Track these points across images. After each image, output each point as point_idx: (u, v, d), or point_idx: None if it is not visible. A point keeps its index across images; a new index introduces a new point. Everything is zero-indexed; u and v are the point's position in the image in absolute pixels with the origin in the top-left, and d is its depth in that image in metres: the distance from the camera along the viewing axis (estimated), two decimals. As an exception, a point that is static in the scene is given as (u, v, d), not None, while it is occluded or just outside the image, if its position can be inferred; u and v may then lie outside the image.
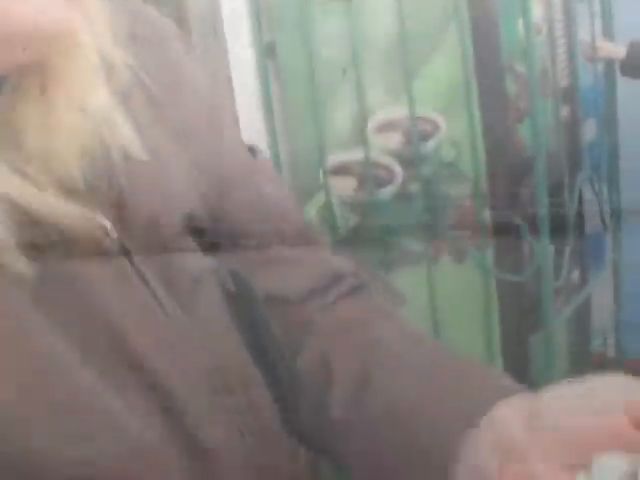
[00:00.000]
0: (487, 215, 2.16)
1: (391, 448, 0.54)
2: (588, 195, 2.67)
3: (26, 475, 0.44)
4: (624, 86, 2.76)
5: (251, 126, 2.09)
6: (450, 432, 0.49)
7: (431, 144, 2.19)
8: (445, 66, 2.09)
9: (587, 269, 2.74)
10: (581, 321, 2.74)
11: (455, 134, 2.15)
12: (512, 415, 0.48)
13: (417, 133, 2.15)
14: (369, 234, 2.33)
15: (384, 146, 2.26)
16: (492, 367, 0.51)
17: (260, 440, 0.55)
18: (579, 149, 2.56)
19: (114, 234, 0.51)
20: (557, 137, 2.36)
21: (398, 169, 2.28)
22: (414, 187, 2.24)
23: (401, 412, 0.54)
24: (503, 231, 2.18)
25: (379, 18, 2.08)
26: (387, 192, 2.30)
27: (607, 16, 2.60)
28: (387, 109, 2.21)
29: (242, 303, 0.60)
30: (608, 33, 2.60)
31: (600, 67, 2.66)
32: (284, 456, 0.59)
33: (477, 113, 2.09)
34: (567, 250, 2.31)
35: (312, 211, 2.43)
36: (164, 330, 0.53)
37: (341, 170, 2.37)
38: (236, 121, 0.73)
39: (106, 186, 0.52)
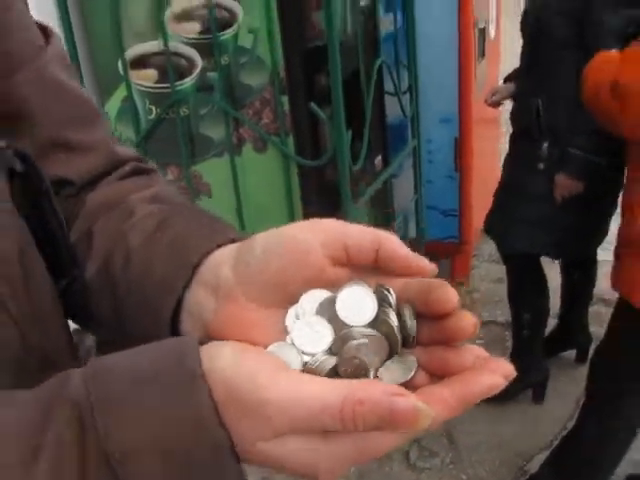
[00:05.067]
0: (285, 102, 2.19)
1: (128, 307, 0.57)
2: (389, 84, 2.76)
3: None
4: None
5: (45, 20, 1.98)
6: (174, 281, 0.53)
7: (229, 31, 2.17)
8: None
9: (389, 154, 2.87)
10: (382, 203, 2.88)
11: (253, 22, 2.12)
12: (225, 260, 0.50)
13: (215, 21, 2.12)
14: (172, 125, 2.30)
15: (182, 35, 2.22)
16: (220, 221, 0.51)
17: (37, 326, 0.55)
18: (377, 38, 2.62)
19: None
20: (354, 25, 2.40)
21: (197, 58, 2.25)
22: (213, 76, 2.23)
23: (134, 271, 0.57)
24: (302, 117, 2.22)
25: None
26: (188, 82, 2.28)
27: None
28: (184, -3, 2.16)
29: (29, 183, 0.59)
30: None
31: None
32: (63, 342, 0.60)
33: (274, 0, 2.07)
34: (366, 134, 2.37)
35: (115, 104, 2.38)
36: None
37: (141, 62, 2.31)
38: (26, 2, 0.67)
39: None
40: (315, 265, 0.46)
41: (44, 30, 0.69)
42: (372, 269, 0.48)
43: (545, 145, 2.26)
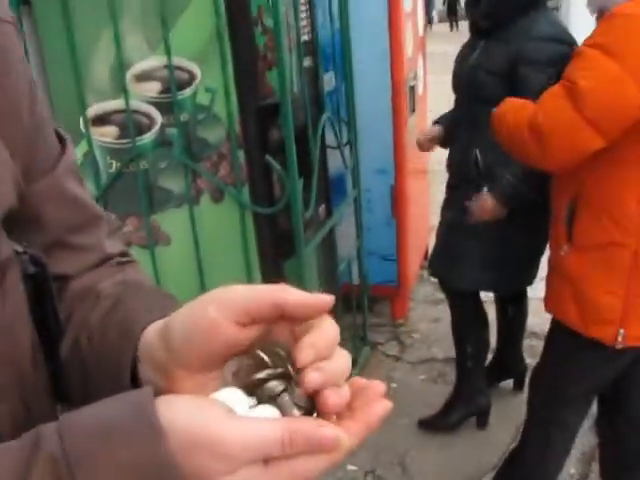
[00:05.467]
0: (241, 155, 2.35)
1: (95, 377, 0.67)
2: (330, 138, 2.97)
3: None
4: (357, 40, 3.07)
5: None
6: (124, 357, 0.62)
7: (187, 91, 2.33)
8: (200, 19, 2.21)
9: (331, 203, 3.05)
10: (328, 249, 3.05)
11: (210, 81, 2.29)
12: (154, 340, 0.60)
13: (174, 82, 2.27)
14: (132, 179, 2.43)
15: (143, 95, 2.37)
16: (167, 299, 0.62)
17: (35, 405, 0.66)
18: (321, 95, 2.83)
19: None
20: (301, 84, 2.60)
21: (157, 116, 2.40)
22: (173, 132, 2.38)
23: (95, 346, 0.68)
24: (256, 169, 2.38)
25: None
26: (147, 138, 2.42)
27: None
28: (145, 59, 2.32)
29: (38, 282, 0.70)
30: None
31: (337, 24, 2.95)
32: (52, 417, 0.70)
33: (230, 62, 2.24)
34: (314, 184, 2.55)
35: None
36: None
37: (103, 119, 2.45)
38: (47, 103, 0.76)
39: None
40: (227, 333, 0.54)
41: (60, 137, 0.79)
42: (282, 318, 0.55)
43: (485, 189, 2.46)
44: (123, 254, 0.83)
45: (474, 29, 2.58)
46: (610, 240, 1.79)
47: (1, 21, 0.69)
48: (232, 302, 0.54)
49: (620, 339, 1.82)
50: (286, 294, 0.54)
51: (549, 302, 2.04)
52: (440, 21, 32.44)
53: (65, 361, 0.72)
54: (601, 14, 1.77)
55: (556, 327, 2.05)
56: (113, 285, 0.74)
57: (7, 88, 0.68)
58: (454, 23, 30.43)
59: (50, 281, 0.71)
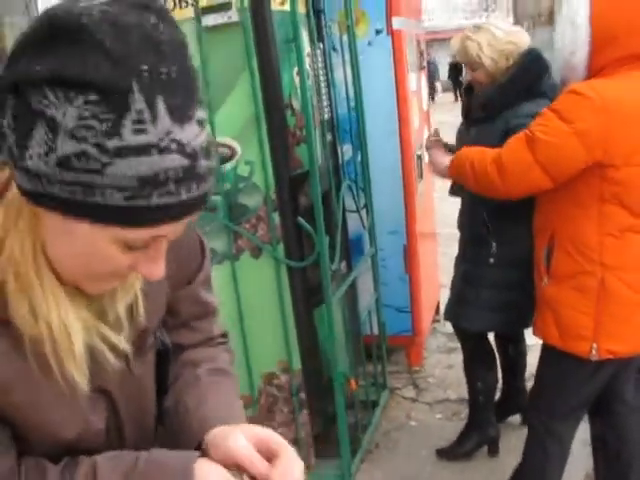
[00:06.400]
0: (276, 217, 2.74)
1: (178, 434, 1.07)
2: (349, 202, 3.37)
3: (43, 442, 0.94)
4: (370, 117, 3.52)
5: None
6: (194, 441, 1.01)
7: (230, 164, 2.73)
8: (240, 104, 2.62)
9: (351, 260, 3.43)
10: (350, 300, 3.42)
11: (249, 156, 2.68)
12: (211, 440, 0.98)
13: (218, 156, 2.67)
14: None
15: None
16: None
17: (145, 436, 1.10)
18: (340, 165, 3.25)
19: (126, 347, 0.96)
20: (325, 157, 3.01)
21: (204, 186, 2.79)
22: (217, 199, 2.77)
23: (183, 416, 1.07)
24: (289, 229, 2.77)
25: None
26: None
27: (355, 63, 3.34)
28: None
29: (162, 357, 1.12)
30: (356, 77, 3.33)
31: (352, 103, 3.38)
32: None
33: (265, 139, 2.64)
34: (338, 242, 2.94)
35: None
36: (129, 382, 1.02)
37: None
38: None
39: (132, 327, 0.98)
40: (223, 464, 0.93)
41: (202, 246, 1.17)
42: None
43: (494, 244, 2.81)
44: (223, 335, 1.26)
45: (467, 114, 2.93)
46: (580, 270, 2.17)
47: None
48: (228, 451, 0.92)
49: (594, 352, 2.18)
50: (246, 460, 0.91)
51: (536, 327, 2.41)
52: (444, 91, 33.40)
53: (164, 410, 1.14)
54: (564, 85, 2.19)
55: (544, 351, 2.41)
56: (209, 372, 1.14)
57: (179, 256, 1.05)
58: (458, 94, 31.22)
59: (170, 355, 1.14)
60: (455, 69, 31.29)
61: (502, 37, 2.74)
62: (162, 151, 0.71)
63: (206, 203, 0.80)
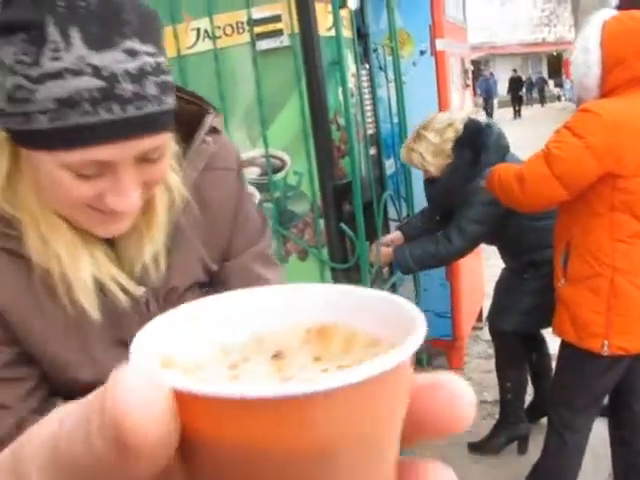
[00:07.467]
0: (322, 223, 2.99)
1: None
2: (392, 212, 3.61)
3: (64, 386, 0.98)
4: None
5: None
6: None
7: (280, 175, 3.00)
8: (290, 119, 2.88)
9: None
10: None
11: (297, 167, 2.94)
12: None
13: (270, 167, 2.95)
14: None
15: (247, 178, 3.01)
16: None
17: None
18: (383, 176, 3.50)
19: (136, 291, 0.97)
20: (367, 168, 3.26)
21: (257, 194, 3.07)
22: (268, 206, 3.04)
23: None
24: (333, 234, 3.01)
25: (244, 83, 2.86)
26: (249, 211, 3.06)
27: (398, 82, 3.59)
28: (248, 151, 3.00)
29: None
30: (400, 95, 3.58)
31: (395, 119, 3.63)
32: None
33: (313, 152, 2.89)
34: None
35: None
36: None
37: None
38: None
39: (155, 277, 0.99)
40: None
41: (263, 221, 1.18)
42: None
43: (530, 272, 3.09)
44: None
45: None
46: (593, 272, 2.38)
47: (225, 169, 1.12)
48: None
49: (606, 348, 2.38)
50: None
51: (555, 327, 2.61)
52: (500, 106, 33.06)
53: None
54: (579, 103, 2.42)
55: (562, 348, 2.62)
56: None
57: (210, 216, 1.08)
58: (517, 111, 30.89)
59: None
60: (515, 83, 31.12)
61: (438, 140, 3.04)
62: (76, 74, 0.77)
63: (145, 129, 0.83)
